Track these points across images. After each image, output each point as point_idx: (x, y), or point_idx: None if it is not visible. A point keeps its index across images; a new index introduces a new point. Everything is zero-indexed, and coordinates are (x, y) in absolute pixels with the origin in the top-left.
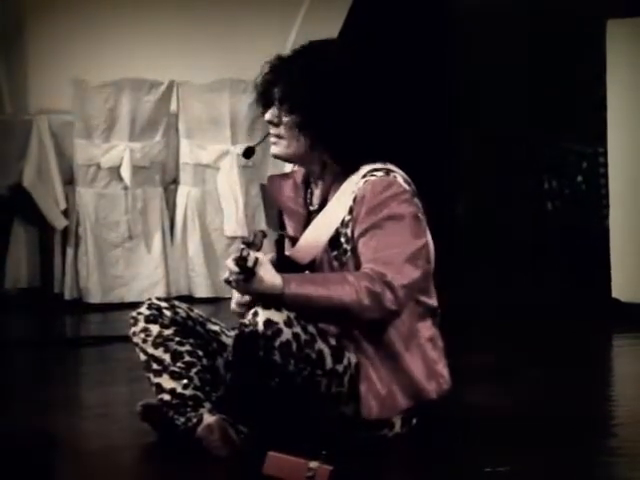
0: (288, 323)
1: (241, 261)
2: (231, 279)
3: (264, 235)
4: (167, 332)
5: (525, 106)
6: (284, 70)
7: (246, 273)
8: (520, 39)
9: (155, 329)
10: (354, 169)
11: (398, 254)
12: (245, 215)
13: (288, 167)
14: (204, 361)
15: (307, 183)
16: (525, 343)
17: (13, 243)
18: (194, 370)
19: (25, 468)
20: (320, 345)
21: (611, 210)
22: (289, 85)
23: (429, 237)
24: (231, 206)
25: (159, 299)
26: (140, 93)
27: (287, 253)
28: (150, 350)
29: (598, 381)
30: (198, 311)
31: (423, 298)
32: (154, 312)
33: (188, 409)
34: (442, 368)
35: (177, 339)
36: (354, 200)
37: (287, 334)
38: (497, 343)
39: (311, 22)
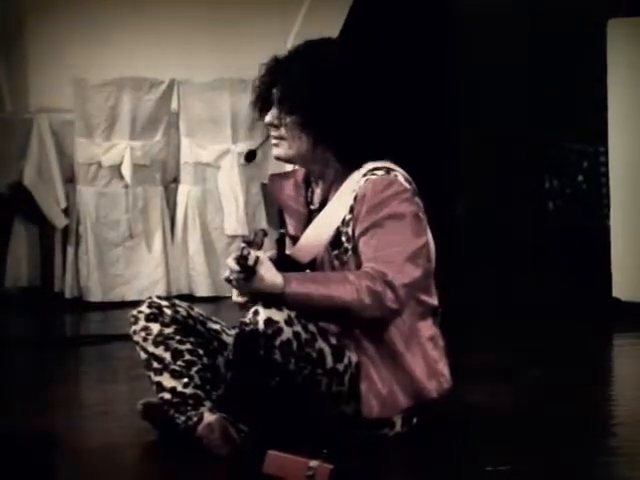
0: (289, 322)
1: (242, 260)
2: (232, 278)
3: (265, 234)
4: (168, 331)
5: (525, 106)
6: (282, 71)
7: (247, 272)
8: (520, 39)
9: (156, 328)
10: (357, 166)
11: (399, 253)
12: (246, 214)
13: (289, 166)
14: (204, 360)
15: (308, 182)
16: (525, 343)
17: (13, 242)
18: (194, 369)
19: (25, 467)
20: (321, 344)
21: (612, 210)
22: (288, 85)
23: (430, 236)
24: (232, 205)
25: (160, 298)
26: (141, 92)
27: (288, 252)
28: (151, 349)
29: (598, 381)
30: (198, 310)
31: (424, 297)
32: (155, 311)
33: (188, 408)
34: (443, 367)
35: (178, 338)
36: (355, 199)
37: (288, 333)
38: (497, 343)
39: (312, 21)
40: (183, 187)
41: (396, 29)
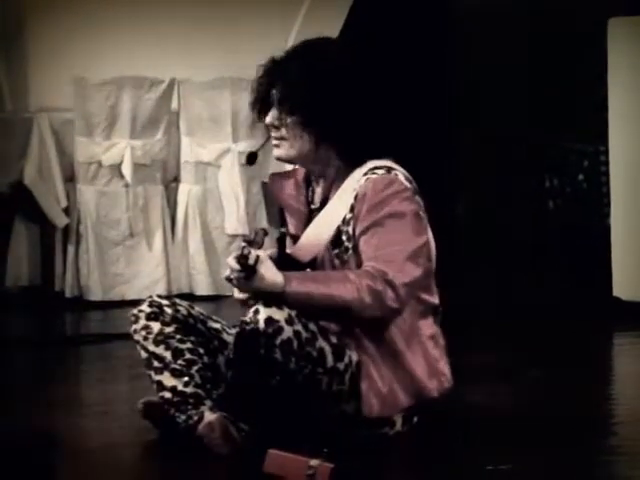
0: (289, 321)
1: (242, 259)
2: (232, 277)
3: (265, 233)
4: (168, 330)
5: (525, 106)
6: (280, 71)
7: (247, 271)
8: (520, 39)
9: (156, 327)
10: (359, 164)
11: (399, 252)
12: (246, 213)
13: (290, 165)
14: (205, 359)
15: (308, 181)
16: (525, 343)
17: (14, 241)
18: (195, 368)
19: (26, 466)
20: (321, 343)
21: (612, 208)
22: (288, 85)
23: (430, 235)
24: (232, 204)
25: (160, 297)
26: (141, 91)
27: (288, 251)
28: (151, 348)
29: (598, 380)
30: (199, 309)
31: (424, 296)
32: (155, 310)
33: (189, 407)
34: (444, 366)
35: (178, 337)
36: (355, 198)
37: (288, 332)
38: (497, 343)
39: (312, 21)
40: (183, 186)
41: (396, 29)
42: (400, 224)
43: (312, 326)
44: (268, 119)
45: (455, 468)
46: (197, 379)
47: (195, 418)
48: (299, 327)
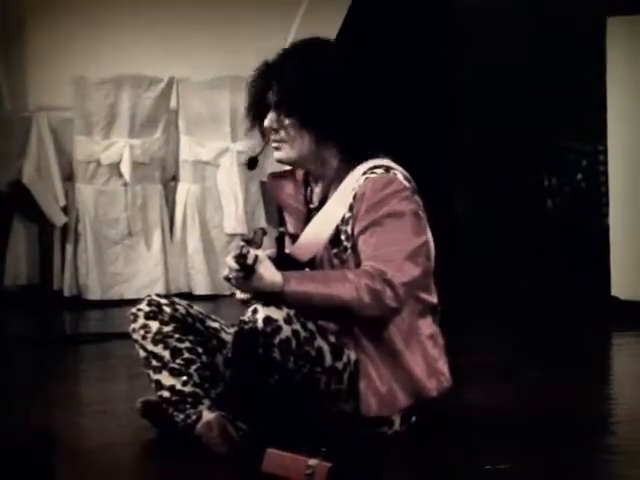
0: (288, 320)
1: (241, 259)
2: (231, 276)
3: (264, 232)
4: (167, 329)
5: (525, 106)
6: (275, 73)
7: (246, 270)
8: (520, 39)
9: (155, 326)
10: (359, 161)
11: (398, 251)
12: (245, 212)
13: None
14: (203, 358)
15: (307, 181)
16: (525, 342)
17: (12, 240)
18: (193, 367)
19: (24, 465)
20: (319, 342)
21: (611, 208)
22: (284, 86)
23: (429, 234)
24: (231, 203)
25: (159, 296)
26: (140, 90)
27: (287, 251)
28: (150, 347)
29: (597, 380)
30: (198, 308)
31: (423, 295)
32: (154, 309)
33: (187, 406)
34: (442, 365)
35: (177, 336)
36: (354, 197)
37: (286, 331)
38: (497, 342)
39: (311, 21)
40: (182, 185)
41: (396, 29)
42: (399, 223)
43: (311, 325)
44: (267, 122)
45: (454, 467)
46: (195, 378)
47: (193, 417)
48: (298, 326)
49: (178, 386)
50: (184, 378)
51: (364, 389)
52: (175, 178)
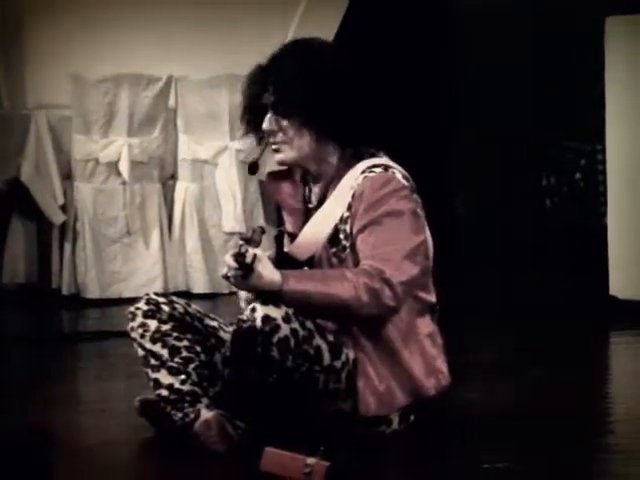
0: (286, 319)
1: (239, 257)
2: (229, 275)
3: (263, 231)
4: (165, 327)
5: (525, 105)
6: (270, 75)
7: (244, 269)
8: (520, 39)
9: (153, 324)
10: (358, 159)
11: (397, 250)
12: (243, 211)
13: None
14: (202, 357)
15: (305, 180)
16: (525, 342)
17: (11, 238)
18: (192, 365)
19: (22, 464)
20: (318, 341)
21: (609, 207)
22: (280, 87)
23: (428, 233)
24: (229, 202)
25: (157, 294)
26: (138, 88)
27: (286, 249)
28: (148, 345)
29: (596, 379)
30: (196, 307)
31: (422, 294)
32: (152, 307)
33: (186, 404)
34: (441, 364)
35: (175, 334)
36: (353, 196)
37: (285, 330)
38: (497, 342)
39: (309, 20)
40: (181, 184)
41: (396, 29)
42: (398, 222)
43: (309, 324)
44: (265, 125)
45: (452, 466)
46: (194, 377)
47: (192, 416)
48: (296, 325)
49: (176, 385)
50: (182, 377)
51: (362, 388)
52: (174, 177)
